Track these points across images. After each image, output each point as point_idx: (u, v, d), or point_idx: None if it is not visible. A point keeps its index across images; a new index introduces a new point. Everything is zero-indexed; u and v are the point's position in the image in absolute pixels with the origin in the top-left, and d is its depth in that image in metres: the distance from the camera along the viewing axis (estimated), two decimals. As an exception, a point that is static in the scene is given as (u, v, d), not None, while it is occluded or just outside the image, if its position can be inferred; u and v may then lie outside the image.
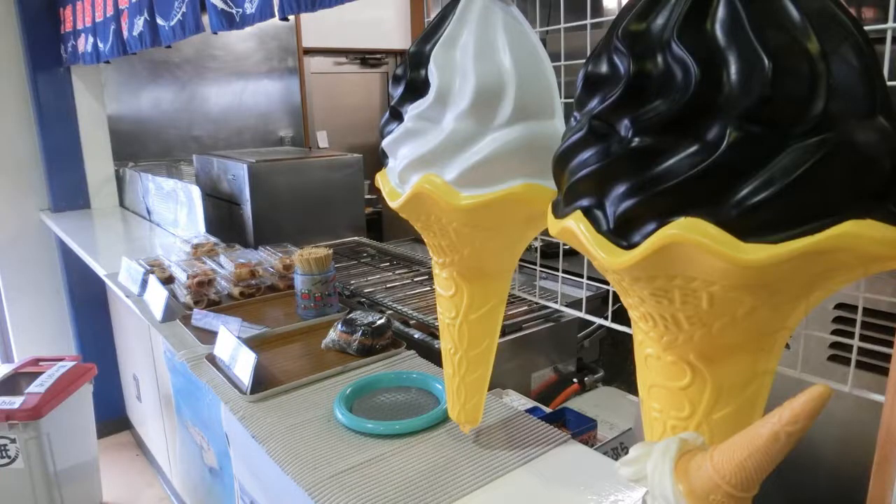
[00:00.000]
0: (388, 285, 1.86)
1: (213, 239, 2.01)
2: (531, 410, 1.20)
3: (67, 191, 2.93)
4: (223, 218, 2.36)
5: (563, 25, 1.13)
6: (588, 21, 1.07)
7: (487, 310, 0.86)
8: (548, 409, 1.31)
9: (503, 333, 1.45)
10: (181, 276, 1.67)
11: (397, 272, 1.99)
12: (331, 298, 1.53)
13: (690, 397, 0.58)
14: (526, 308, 1.59)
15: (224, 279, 1.69)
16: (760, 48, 0.44)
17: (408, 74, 0.77)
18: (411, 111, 0.75)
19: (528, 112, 0.70)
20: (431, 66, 0.73)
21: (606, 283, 0.88)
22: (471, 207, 0.72)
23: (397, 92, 0.78)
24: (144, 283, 1.73)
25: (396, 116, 0.78)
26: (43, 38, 2.76)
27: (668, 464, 0.49)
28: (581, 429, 1.20)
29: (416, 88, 0.75)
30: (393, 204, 0.79)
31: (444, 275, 0.86)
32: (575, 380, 1.56)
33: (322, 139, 4.08)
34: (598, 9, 1.65)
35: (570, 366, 1.60)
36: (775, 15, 0.46)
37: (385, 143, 0.79)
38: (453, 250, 0.81)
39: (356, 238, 2.41)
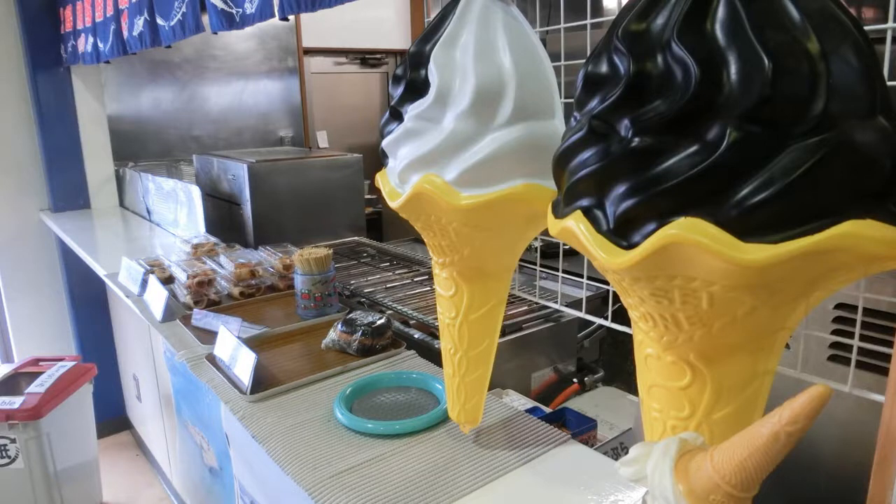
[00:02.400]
0: (388, 285, 1.86)
1: (213, 239, 2.01)
2: (531, 410, 1.20)
3: (67, 191, 2.93)
4: (223, 218, 2.36)
5: (563, 25, 1.13)
6: (588, 21, 1.07)
7: (487, 310, 0.86)
8: (548, 409, 1.31)
9: (503, 333, 1.45)
10: (181, 276, 1.67)
11: (397, 272, 1.99)
12: (331, 298, 1.53)
13: (690, 397, 0.58)
14: (526, 308, 1.59)
15: (224, 279, 1.69)
16: (760, 48, 0.44)
17: (408, 74, 0.77)
18: (411, 111, 0.75)
19: (528, 112, 0.70)
20: (431, 66, 0.73)
21: (606, 283, 0.88)
22: (471, 207, 0.72)
23: (397, 92, 0.78)
24: (144, 283, 1.73)
25: (396, 116, 0.78)
26: (43, 38, 2.76)
27: (668, 464, 0.49)
28: (581, 429, 1.20)
29: (416, 88, 0.75)
30: (393, 204, 0.79)
31: (444, 275, 0.86)
32: (575, 380, 1.56)
33: (322, 139, 4.08)
34: (598, 9, 1.65)
35: (570, 366, 1.60)
36: (775, 15, 0.46)
37: (385, 143, 0.79)
38: (453, 250, 0.81)
39: (356, 238, 2.41)
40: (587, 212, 0.54)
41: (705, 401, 0.57)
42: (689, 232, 0.47)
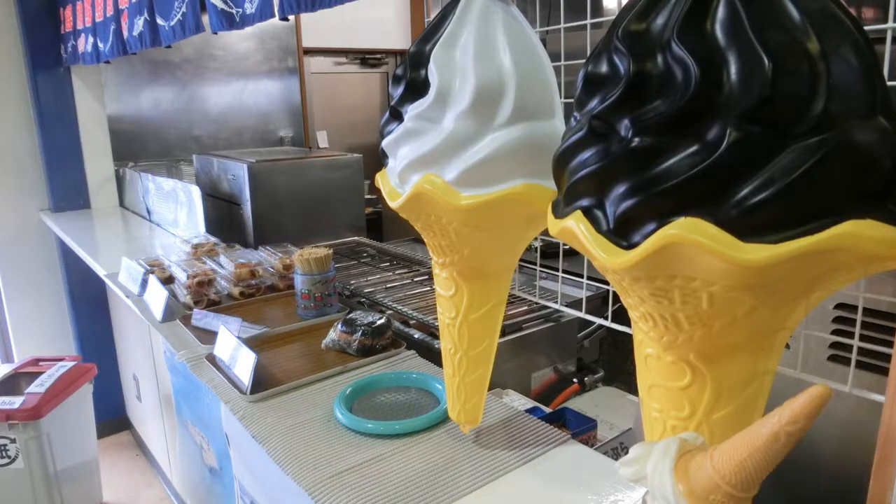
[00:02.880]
0: (388, 285, 1.86)
1: (213, 239, 2.01)
2: (531, 410, 1.20)
3: (67, 191, 2.93)
4: (223, 218, 2.36)
5: (563, 25, 1.13)
6: (588, 21, 1.07)
7: (487, 310, 0.86)
8: (548, 409, 1.31)
9: (503, 333, 1.45)
10: (181, 275, 1.67)
11: (397, 272, 1.99)
12: (331, 298, 1.53)
13: (690, 397, 0.58)
14: (526, 308, 1.59)
15: (224, 279, 1.69)
16: (760, 48, 0.44)
17: (408, 74, 0.76)
18: (411, 111, 0.75)
19: (528, 112, 0.70)
20: (431, 66, 0.73)
21: (606, 283, 0.88)
22: (471, 207, 0.72)
23: (397, 92, 0.78)
24: (144, 283, 1.73)
25: (396, 116, 0.78)
26: (43, 38, 2.76)
27: (667, 464, 0.49)
28: (581, 429, 1.20)
29: (416, 88, 0.75)
30: (393, 204, 0.79)
31: (444, 275, 0.86)
32: (575, 380, 1.56)
33: (322, 139, 4.08)
34: (598, 9, 1.65)
35: (571, 366, 1.60)
36: (775, 15, 0.46)
37: (385, 143, 0.79)
38: (453, 250, 0.81)
39: (356, 238, 2.41)
40: (587, 212, 0.54)
41: (705, 401, 0.57)
42: (688, 232, 0.47)
